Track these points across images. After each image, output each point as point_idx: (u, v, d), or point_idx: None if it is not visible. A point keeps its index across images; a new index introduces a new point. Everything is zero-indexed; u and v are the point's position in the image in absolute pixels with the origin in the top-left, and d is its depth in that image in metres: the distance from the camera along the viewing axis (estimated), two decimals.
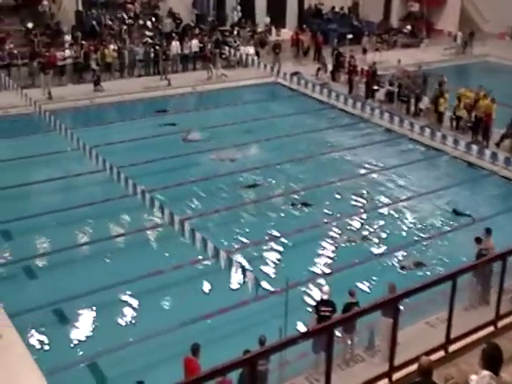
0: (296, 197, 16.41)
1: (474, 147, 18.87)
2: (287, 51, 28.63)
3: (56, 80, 23.82)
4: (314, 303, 10.56)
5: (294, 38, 30.03)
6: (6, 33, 25.82)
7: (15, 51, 24.53)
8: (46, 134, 18.53)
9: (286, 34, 31.54)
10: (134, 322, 11.46)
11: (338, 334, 9.18)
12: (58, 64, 24.22)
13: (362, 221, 15.37)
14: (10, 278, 12.21)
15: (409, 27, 33.72)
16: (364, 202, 16.41)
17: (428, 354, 8.11)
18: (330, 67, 26.33)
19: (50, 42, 25.77)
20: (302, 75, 25.26)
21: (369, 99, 23.40)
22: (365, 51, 28.53)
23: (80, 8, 28.39)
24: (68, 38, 26.04)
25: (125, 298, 11.99)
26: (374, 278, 12.73)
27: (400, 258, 13.70)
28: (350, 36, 31.41)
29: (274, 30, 31.86)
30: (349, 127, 21.86)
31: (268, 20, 32.02)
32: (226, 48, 27.59)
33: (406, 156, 19.66)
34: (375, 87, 23.58)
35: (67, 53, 24.81)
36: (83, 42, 25.65)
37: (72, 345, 10.75)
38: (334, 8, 34.81)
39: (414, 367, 7.35)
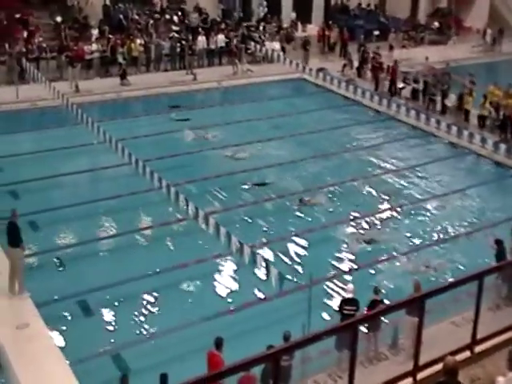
0: (320, 193, 16.34)
1: (502, 146, 18.59)
2: (313, 47, 28.46)
3: (83, 73, 24.08)
4: (337, 301, 10.51)
5: (320, 33, 29.87)
6: (36, 26, 26.17)
7: (44, 45, 24.85)
8: (72, 126, 18.70)
9: (312, 29, 31.40)
10: (157, 314, 11.54)
11: (362, 330, 9.13)
12: (85, 58, 24.47)
13: (384, 219, 15.26)
14: (37, 268, 12.38)
15: (436, 24, 33.30)
16: (387, 200, 16.27)
17: (453, 353, 8.03)
18: (356, 63, 26.13)
19: (78, 35, 26.05)
20: (327, 71, 25.12)
21: (394, 96, 23.20)
22: (391, 48, 28.25)
23: (107, 2, 28.64)
24: (95, 32, 26.29)
25: (148, 290, 12.07)
26: (396, 278, 12.63)
27: (423, 258, 13.56)
28: (376, 32, 31.15)
29: (299, 25, 31.75)
30: (374, 124, 21.70)
31: (294, 15, 31.92)
32: (252, 43, 27.56)
33: (431, 154, 19.46)
34: (401, 85, 23.36)
35: (94, 47, 25.06)
36: (110, 36, 25.87)
37: (96, 336, 10.86)
38: (360, 4, 34.55)
39: (438, 367, 7.30)
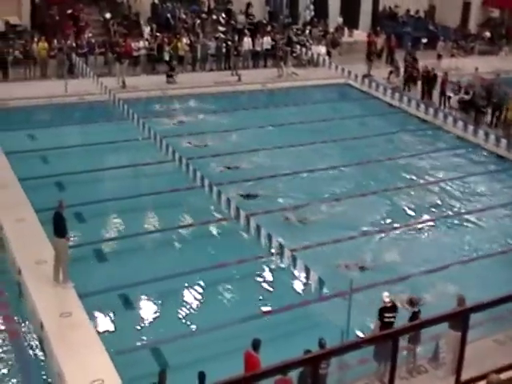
0: (358, 200, 16.23)
1: None
2: (360, 53, 28.26)
3: (130, 70, 24.45)
4: (377, 309, 10.36)
5: (368, 39, 29.65)
6: (86, 22, 26.71)
7: (93, 40, 25.33)
8: (119, 121, 19.03)
9: (359, 35, 31.17)
10: (195, 312, 11.60)
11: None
12: (132, 54, 24.86)
13: (428, 229, 15.02)
14: (81, 259, 12.56)
15: (488, 34, 32.62)
16: (428, 210, 16.02)
17: (497, 372, 7.84)
18: (402, 71, 25.82)
19: (127, 32, 26.47)
20: (373, 78, 24.92)
21: (442, 106, 22.84)
22: (439, 57, 27.82)
23: (156, 1, 29.01)
24: (147, 29, 26.68)
25: (188, 288, 12.16)
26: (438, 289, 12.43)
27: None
28: (424, 40, 30.70)
29: (346, 30, 31.56)
30: (419, 133, 21.38)
31: (341, 20, 31.71)
32: (298, 46, 27.54)
33: (477, 166, 19.06)
34: (450, 94, 22.98)
35: (141, 44, 25.42)
36: (157, 34, 26.23)
37: (136, 329, 10.97)
38: (409, 11, 34.12)
39: None
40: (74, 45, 24.48)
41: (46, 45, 23.82)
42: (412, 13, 34.09)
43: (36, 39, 23.92)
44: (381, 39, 29.48)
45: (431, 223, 15.41)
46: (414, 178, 17.93)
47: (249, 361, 9.00)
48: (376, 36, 29.60)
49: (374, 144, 20.05)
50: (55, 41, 24.30)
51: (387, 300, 9.86)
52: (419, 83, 24.36)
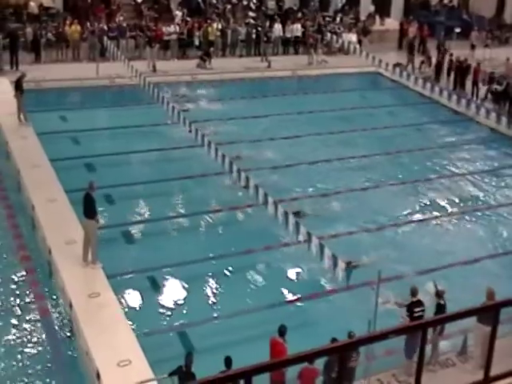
0: (387, 190, 16.04)
1: None
2: (391, 42, 27.86)
3: (161, 54, 24.49)
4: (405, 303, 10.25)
5: (400, 28, 29.22)
6: (117, 5, 26.81)
7: (124, 24, 25.40)
8: (148, 105, 19.09)
9: (391, 23, 30.70)
10: (222, 297, 11.63)
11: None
12: (163, 38, 24.89)
13: (457, 221, 14.82)
14: (110, 240, 12.67)
15: None
16: (457, 202, 15.79)
17: None
18: (434, 60, 25.40)
19: (158, 16, 26.49)
20: (404, 67, 24.54)
21: (475, 97, 22.42)
22: (473, 47, 27.27)
23: None
24: (179, 13, 26.66)
25: (214, 273, 12.20)
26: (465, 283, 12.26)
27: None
28: (457, 30, 30.06)
29: (377, 18, 31.11)
30: (450, 124, 21.04)
31: (372, 8, 31.28)
32: (328, 34, 27.26)
33: (509, 159, 18.70)
34: (484, 85, 22.54)
35: (172, 28, 25.42)
36: (188, 19, 26.20)
37: (163, 312, 11.06)
38: (442, 0, 33.47)
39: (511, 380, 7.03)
40: (105, 28, 24.60)
41: (78, 27, 23.99)
42: (446, 1, 33.42)
43: (68, 22, 24.10)
44: (413, 28, 29.00)
45: (461, 216, 15.20)
46: (444, 169, 17.69)
47: (275, 347, 9.01)
48: (408, 25, 29.16)
49: (404, 134, 19.81)
50: (87, 24, 24.45)
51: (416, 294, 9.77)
52: (452, 74, 23.94)
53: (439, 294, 9.92)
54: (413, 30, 28.91)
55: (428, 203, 15.61)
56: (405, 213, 15.11)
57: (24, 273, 11.72)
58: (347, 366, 7.84)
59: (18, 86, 17.22)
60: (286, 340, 9.02)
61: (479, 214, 15.39)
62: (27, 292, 11.21)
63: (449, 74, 24.20)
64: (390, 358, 9.73)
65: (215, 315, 11.05)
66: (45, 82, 20.44)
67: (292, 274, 12.46)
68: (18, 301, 10.97)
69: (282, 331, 9.05)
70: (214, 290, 11.76)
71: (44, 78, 20.56)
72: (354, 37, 27.35)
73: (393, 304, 11.39)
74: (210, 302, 11.42)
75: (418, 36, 28.52)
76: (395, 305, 11.16)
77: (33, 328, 10.37)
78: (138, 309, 11.08)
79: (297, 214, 13.59)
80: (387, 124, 20.34)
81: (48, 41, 23.66)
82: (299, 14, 28.64)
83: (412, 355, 9.21)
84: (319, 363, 8.48)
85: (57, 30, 23.96)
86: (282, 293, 11.73)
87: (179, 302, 11.39)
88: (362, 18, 30.37)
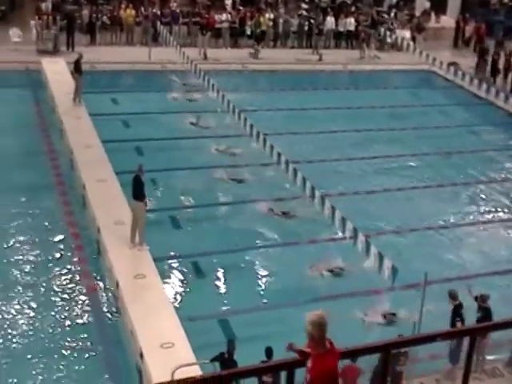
0: (436, 191, 15.75)
1: None
2: (447, 39, 27.24)
3: (212, 42, 24.56)
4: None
5: (456, 26, 28.51)
6: None
7: (177, 10, 25.54)
8: (198, 92, 19.20)
9: (446, 21, 30.01)
10: (265, 287, 11.62)
11: None
12: (215, 26, 24.94)
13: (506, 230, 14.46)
14: (156, 224, 12.82)
15: None
16: (509, 208, 15.37)
17: None
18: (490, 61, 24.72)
19: (210, 4, 26.55)
20: (459, 66, 23.93)
21: None
22: None
23: None
24: (229, 1, 26.65)
25: (259, 262, 12.21)
26: None
27: None
28: None
29: (433, 15, 30.45)
30: (506, 127, 20.44)
31: (428, 5, 30.61)
32: (382, 29, 26.83)
33: None
34: None
35: (224, 16, 25.45)
36: (240, 8, 26.17)
37: (206, 298, 11.13)
38: None
39: None
40: (159, 13, 24.80)
41: (132, 12, 24.26)
42: (505, 0, 32.42)
43: (123, 6, 24.38)
44: (470, 26, 28.28)
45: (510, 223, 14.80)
46: (496, 173, 17.23)
47: None
48: (465, 23, 28.45)
49: (456, 135, 19.37)
50: (142, 8, 24.70)
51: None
52: (509, 75, 23.26)
53: (483, 299, 9.68)
54: (469, 28, 28.20)
55: (477, 207, 15.26)
56: (452, 215, 14.78)
57: (73, 249, 11.97)
58: (395, 371, 7.71)
59: (77, 67, 17.54)
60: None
61: None
62: (75, 269, 11.45)
63: (506, 75, 23.51)
64: (434, 363, 9.56)
65: (258, 305, 11.05)
66: (98, 64, 20.75)
67: (334, 269, 12.30)
68: (66, 277, 11.22)
69: None
70: (258, 280, 11.76)
71: (98, 60, 20.88)
72: (407, 33, 26.87)
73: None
74: (253, 291, 11.43)
75: (475, 35, 27.79)
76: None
77: (80, 304, 10.59)
78: (181, 293, 11.19)
79: (285, 213, 13.54)
80: (439, 124, 19.93)
81: (103, 24, 24.01)
82: (353, 8, 28.26)
83: (457, 361, 9.02)
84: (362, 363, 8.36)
85: (112, 14, 24.29)
86: (325, 288, 11.64)
87: (223, 289, 11.46)
88: (417, 14, 29.75)
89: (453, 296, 9.55)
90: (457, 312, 9.40)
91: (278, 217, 13.90)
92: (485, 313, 9.37)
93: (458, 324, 9.12)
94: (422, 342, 7.84)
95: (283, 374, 6.08)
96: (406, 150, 17.91)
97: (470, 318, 9.32)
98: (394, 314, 11.18)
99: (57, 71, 19.84)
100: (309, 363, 4.74)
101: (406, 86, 23.95)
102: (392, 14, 28.73)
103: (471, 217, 14.84)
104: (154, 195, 13.82)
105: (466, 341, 8.15)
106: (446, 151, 18.11)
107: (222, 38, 25.18)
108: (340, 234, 12.19)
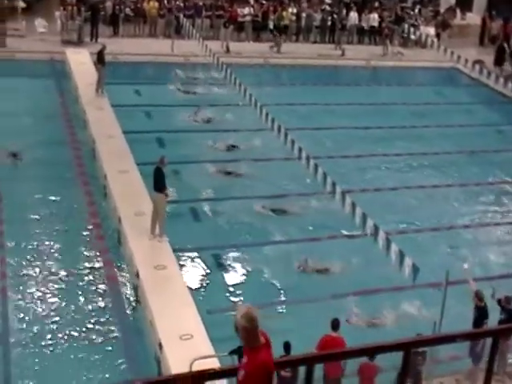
0: (465, 189, 15.58)
1: None
2: (472, 37, 26.88)
3: (235, 35, 24.52)
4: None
5: (482, 23, 28.12)
6: None
7: (201, 3, 25.52)
8: (220, 85, 19.17)
9: (472, 18, 29.60)
10: (284, 281, 11.58)
11: None
12: (238, 20, 24.89)
13: None
14: (177, 216, 12.86)
15: None
16: None
17: None
18: None
19: None
20: (484, 64, 23.60)
21: None
22: None
23: None
24: None
25: (278, 257, 12.16)
26: None
27: None
28: None
29: (458, 12, 30.05)
30: None
31: (453, 1, 30.23)
32: (405, 26, 26.54)
33: None
34: None
35: (247, 10, 25.38)
36: (263, 2, 26.07)
37: (225, 290, 11.13)
38: None
39: None
40: (182, 6, 24.81)
41: (156, 4, 24.30)
42: None
43: None
44: (496, 24, 27.87)
45: None
46: None
47: (331, 343, 8.79)
48: (491, 20, 28.04)
49: (480, 134, 19.11)
50: (165, 0, 24.71)
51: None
52: None
53: (508, 301, 9.54)
54: (496, 25, 27.78)
55: (501, 207, 15.05)
56: (475, 215, 14.62)
57: (94, 239, 12.05)
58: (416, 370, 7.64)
59: (100, 58, 17.63)
60: (339, 332, 8.86)
61: None
62: (96, 258, 11.53)
63: None
64: (454, 363, 9.47)
65: (277, 299, 11.02)
66: (121, 55, 20.84)
67: (356, 266, 12.24)
68: (87, 266, 11.30)
69: (335, 325, 8.90)
70: (277, 275, 11.71)
71: (121, 52, 20.96)
72: (432, 30, 26.56)
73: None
74: (272, 286, 11.40)
75: (502, 33, 27.37)
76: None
77: (100, 292, 10.67)
78: (200, 285, 11.21)
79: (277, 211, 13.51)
80: (463, 122, 19.69)
81: (126, 15, 24.10)
82: (376, 4, 28.02)
83: (478, 361, 8.92)
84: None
85: (135, 6, 24.37)
86: (345, 285, 11.56)
87: (242, 283, 11.44)
88: (442, 10, 29.39)
89: (480, 297, 9.45)
90: (482, 313, 9.28)
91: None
92: (509, 315, 9.25)
93: (485, 326, 9.01)
94: (445, 342, 7.76)
95: (302, 370, 6.10)
96: (428, 147, 17.72)
97: (493, 319, 9.20)
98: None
99: (80, 62, 19.97)
100: (244, 358, 4.64)
101: (430, 83, 23.71)
102: (416, 11, 28.45)
103: (494, 217, 14.64)
104: (175, 187, 13.82)
105: (488, 342, 8.18)
106: (469, 150, 17.92)
107: (245, 31, 25.15)
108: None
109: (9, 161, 14.55)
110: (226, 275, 11.61)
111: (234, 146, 16.78)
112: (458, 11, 29.96)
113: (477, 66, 22.87)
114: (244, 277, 11.62)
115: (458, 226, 13.94)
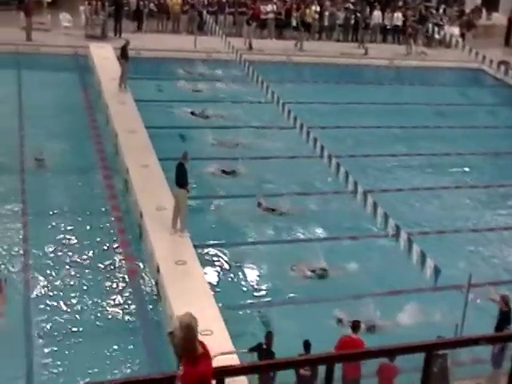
0: (488, 191, 15.41)
1: None
2: (498, 37, 26.54)
3: (258, 33, 24.49)
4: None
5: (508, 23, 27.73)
6: None
7: (224, 0, 25.50)
8: (242, 82, 19.15)
9: (498, 18, 29.20)
10: (303, 281, 11.52)
11: None
12: (261, 17, 24.86)
13: None
14: (198, 211, 12.88)
15: None
16: None
17: None
18: None
19: None
20: (510, 65, 23.25)
21: None
22: None
23: None
24: None
25: (298, 257, 12.09)
26: None
27: None
28: None
29: (484, 12, 29.67)
30: None
31: (479, 1, 29.86)
32: (430, 25, 26.27)
33: None
34: None
35: (270, 7, 25.32)
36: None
37: (246, 288, 11.14)
38: None
39: None
40: (205, 2, 24.83)
41: (179, 0, 24.34)
42: None
43: None
44: None
45: None
46: None
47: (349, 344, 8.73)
48: None
49: (505, 136, 18.86)
50: None
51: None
52: None
53: (506, 302, 9.42)
54: None
55: None
56: (498, 217, 14.41)
57: (116, 233, 12.11)
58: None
59: (123, 53, 17.72)
60: (359, 334, 8.80)
61: None
62: (118, 252, 11.60)
63: None
64: (475, 367, 9.37)
65: (296, 299, 10.97)
66: (144, 50, 20.92)
67: (376, 266, 12.14)
68: (108, 259, 11.37)
69: (354, 326, 8.85)
70: (292, 274, 11.62)
71: (144, 47, 21.04)
72: (456, 30, 26.21)
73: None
74: (292, 285, 11.35)
75: None
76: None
77: (121, 285, 10.73)
78: (222, 281, 11.19)
79: (273, 210, 13.41)
80: (487, 124, 19.47)
81: (150, 11, 24.19)
82: (400, 3, 27.81)
83: (499, 365, 8.80)
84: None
85: (159, 1, 24.43)
86: (364, 285, 11.48)
87: (262, 281, 11.41)
88: (467, 10, 29.05)
89: (505, 301, 9.34)
90: (506, 318, 9.16)
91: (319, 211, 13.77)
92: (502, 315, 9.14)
93: (508, 330, 8.89)
94: (467, 345, 7.68)
95: (321, 369, 6.06)
96: (451, 148, 17.55)
97: None
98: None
99: (104, 56, 20.09)
100: (180, 370, 4.38)
101: (454, 83, 23.50)
102: (441, 10, 28.16)
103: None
104: (195, 182, 13.83)
105: (510, 346, 8.06)
106: (493, 151, 17.70)
107: (268, 28, 25.10)
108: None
109: (33, 157, 14.65)
110: (245, 272, 11.58)
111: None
112: (484, 11, 29.59)
113: (502, 67, 22.60)
114: (263, 274, 11.58)
115: (481, 228, 13.76)
